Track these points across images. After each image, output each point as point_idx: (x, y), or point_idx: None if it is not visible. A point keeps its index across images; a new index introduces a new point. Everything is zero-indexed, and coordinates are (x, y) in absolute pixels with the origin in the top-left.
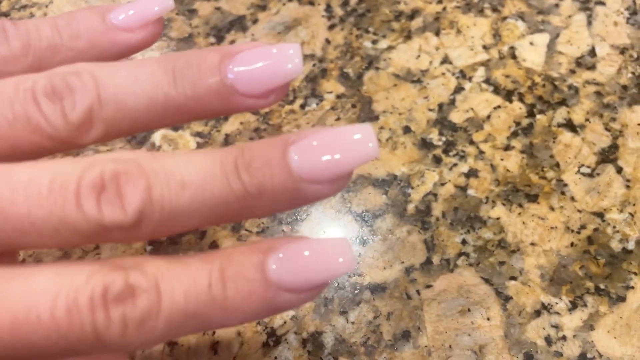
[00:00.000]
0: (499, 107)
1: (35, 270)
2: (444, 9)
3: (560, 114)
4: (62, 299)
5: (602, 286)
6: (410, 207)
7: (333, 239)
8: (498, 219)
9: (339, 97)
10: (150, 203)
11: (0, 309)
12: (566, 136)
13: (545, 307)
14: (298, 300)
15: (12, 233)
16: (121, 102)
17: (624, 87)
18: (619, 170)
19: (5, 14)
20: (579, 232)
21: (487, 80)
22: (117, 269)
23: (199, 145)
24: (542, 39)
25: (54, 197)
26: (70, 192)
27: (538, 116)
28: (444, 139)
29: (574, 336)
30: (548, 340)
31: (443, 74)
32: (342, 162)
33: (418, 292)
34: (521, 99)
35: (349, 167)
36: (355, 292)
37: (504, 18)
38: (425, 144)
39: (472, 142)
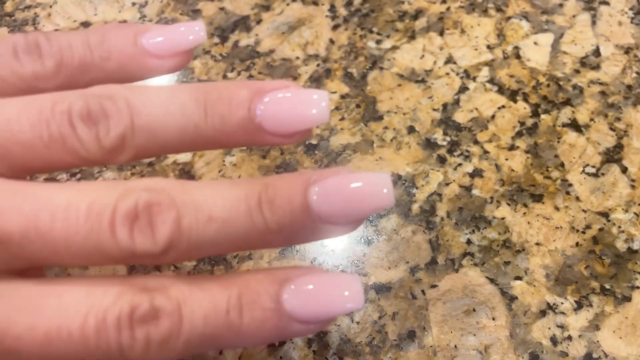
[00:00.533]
0: (503, 107)
1: (67, 288)
2: (448, 9)
3: (565, 114)
4: (91, 318)
5: (607, 286)
6: (415, 207)
7: (344, 275)
8: (503, 218)
9: (343, 97)
10: (178, 234)
11: (35, 325)
12: (571, 136)
13: (551, 307)
14: (307, 330)
15: (49, 255)
16: (153, 130)
17: (629, 87)
18: (624, 170)
19: (10, 15)
20: (584, 232)
21: (492, 80)
22: (143, 291)
23: None
24: (547, 38)
25: (90, 223)
26: (106, 220)
27: (542, 116)
28: (448, 138)
29: (580, 336)
30: (553, 340)
31: (447, 73)
32: (358, 207)
33: (423, 292)
34: (525, 98)
35: (364, 212)
36: None
37: (508, 18)
38: (429, 144)
39: (476, 142)
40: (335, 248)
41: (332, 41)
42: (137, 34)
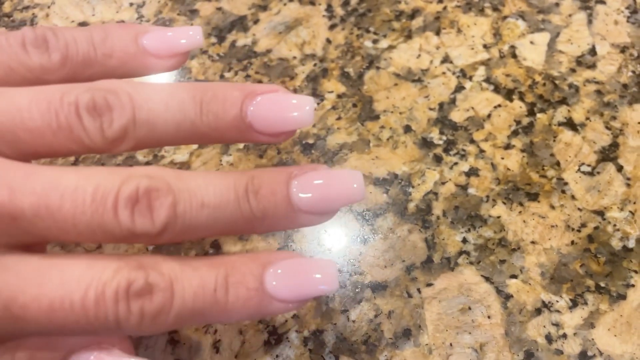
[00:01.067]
0: (499, 106)
1: (70, 262)
2: (445, 8)
3: (561, 113)
4: (91, 291)
5: (602, 284)
6: (411, 206)
7: (321, 260)
8: (499, 217)
9: (339, 96)
10: (174, 217)
11: (41, 295)
12: (566, 135)
13: (546, 305)
14: (286, 309)
15: (57, 232)
16: (153, 125)
17: (625, 86)
18: (620, 168)
19: (8, 15)
20: (579, 231)
21: (488, 80)
22: (139, 268)
23: None
24: (543, 38)
25: (96, 205)
26: (110, 202)
27: (538, 115)
28: (444, 138)
29: (575, 334)
30: (549, 338)
31: (443, 73)
32: (332, 199)
33: (419, 290)
34: (521, 97)
35: (337, 204)
36: (357, 290)
37: (505, 17)
38: (425, 143)
39: (472, 141)
40: (331, 247)
41: (329, 41)
42: (138, 34)
